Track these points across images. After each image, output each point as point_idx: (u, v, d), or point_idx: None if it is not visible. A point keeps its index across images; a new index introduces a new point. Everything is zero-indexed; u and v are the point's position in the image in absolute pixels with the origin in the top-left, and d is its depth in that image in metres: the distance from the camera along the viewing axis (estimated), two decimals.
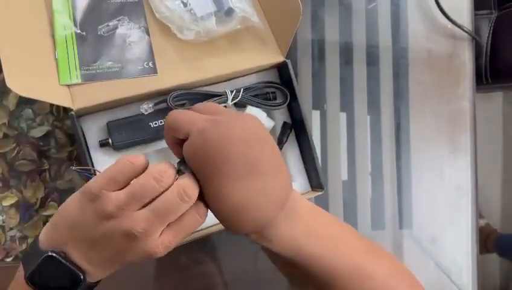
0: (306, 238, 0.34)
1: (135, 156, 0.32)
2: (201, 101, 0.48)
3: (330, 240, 0.35)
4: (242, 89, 0.50)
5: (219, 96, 0.49)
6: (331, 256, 0.35)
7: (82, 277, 0.32)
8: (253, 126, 0.33)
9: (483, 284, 0.66)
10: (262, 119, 0.51)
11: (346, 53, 0.63)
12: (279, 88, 0.53)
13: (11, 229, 0.50)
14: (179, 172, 0.33)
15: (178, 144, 0.34)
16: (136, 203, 0.31)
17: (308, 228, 0.35)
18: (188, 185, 0.31)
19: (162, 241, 0.32)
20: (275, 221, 0.33)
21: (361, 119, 0.63)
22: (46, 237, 0.33)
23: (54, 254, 0.32)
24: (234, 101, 0.49)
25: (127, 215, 0.31)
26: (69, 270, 0.32)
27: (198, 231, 0.49)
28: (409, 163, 0.64)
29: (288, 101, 0.52)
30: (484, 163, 0.69)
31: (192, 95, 0.49)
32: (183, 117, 0.33)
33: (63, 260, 0.32)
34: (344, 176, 0.61)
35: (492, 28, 0.83)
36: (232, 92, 0.49)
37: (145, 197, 0.31)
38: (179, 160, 0.34)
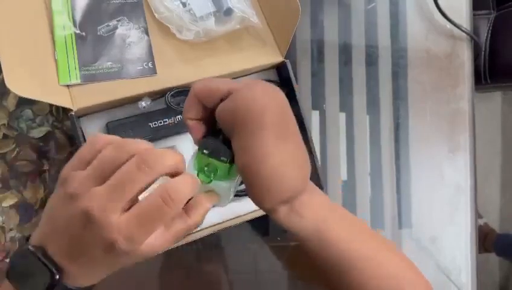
0: (332, 213, 0.35)
1: (96, 135, 0.30)
2: None
3: (353, 225, 0.36)
4: None
5: None
6: (353, 240, 0.35)
7: (57, 276, 0.29)
8: (283, 96, 0.33)
9: (482, 283, 0.66)
10: None
11: (346, 53, 0.63)
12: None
13: (10, 229, 0.50)
14: (203, 152, 0.33)
15: (199, 120, 0.34)
16: (95, 177, 0.28)
17: (333, 206, 0.35)
18: (148, 152, 0.28)
19: (118, 225, 0.27)
20: (304, 192, 0.33)
21: (361, 119, 0.63)
22: (34, 233, 0.31)
23: (30, 248, 0.29)
24: None
25: (85, 192, 0.28)
26: (43, 266, 0.29)
27: (200, 230, 0.49)
28: (408, 163, 0.64)
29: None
30: (483, 163, 0.69)
31: None
32: (218, 80, 0.32)
33: (39, 256, 0.29)
34: (343, 176, 0.61)
35: (491, 28, 0.83)
36: None
37: (104, 169, 0.28)
38: (200, 142, 0.33)
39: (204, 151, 0.33)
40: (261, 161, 0.30)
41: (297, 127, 0.33)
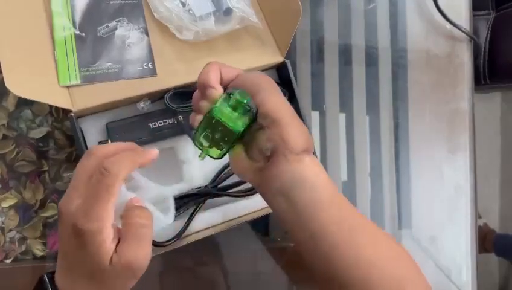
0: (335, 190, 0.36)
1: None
2: None
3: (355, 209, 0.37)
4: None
5: None
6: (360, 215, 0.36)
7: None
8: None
9: (481, 283, 0.66)
10: None
11: (345, 53, 0.63)
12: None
13: (10, 230, 0.49)
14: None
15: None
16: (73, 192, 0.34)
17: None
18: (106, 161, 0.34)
19: (76, 208, 0.32)
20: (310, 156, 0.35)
21: (361, 120, 0.63)
22: None
23: (45, 275, 0.35)
24: None
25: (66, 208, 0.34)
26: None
27: (200, 231, 0.49)
28: (408, 163, 0.64)
29: (286, 98, 0.52)
30: (482, 163, 0.69)
31: (190, 94, 0.49)
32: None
33: (45, 280, 0.34)
34: (343, 176, 0.61)
35: (490, 29, 0.83)
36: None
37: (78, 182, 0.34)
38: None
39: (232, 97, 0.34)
40: (289, 106, 0.35)
41: None
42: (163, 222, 0.38)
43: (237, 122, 0.34)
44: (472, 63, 0.67)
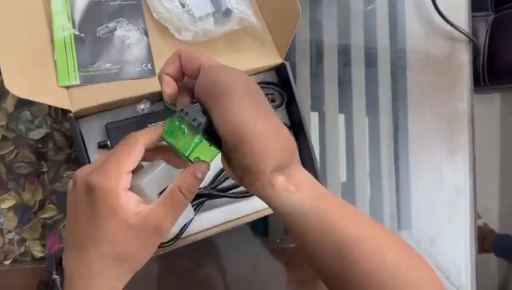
0: (326, 190, 0.33)
1: None
2: None
3: (348, 206, 0.33)
4: None
5: None
6: (352, 221, 0.32)
7: (56, 281, 0.32)
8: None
9: (481, 284, 0.66)
10: None
11: (345, 55, 0.63)
12: (276, 89, 0.53)
13: (9, 231, 0.49)
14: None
15: (174, 79, 0.36)
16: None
17: (324, 190, 0.33)
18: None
19: (91, 168, 0.32)
20: (297, 163, 0.32)
21: (360, 121, 0.63)
22: None
23: (52, 257, 0.33)
24: None
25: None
26: (50, 271, 0.33)
27: (199, 232, 0.49)
28: (407, 164, 0.64)
29: (285, 101, 0.52)
30: (482, 164, 0.69)
31: None
32: (194, 53, 0.35)
33: (51, 260, 0.33)
34: (343, 177, 0.61)
35: (489, 30, 0.83)
36: None
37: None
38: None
39: (181, 113, 0.33)
40: (253, 121, 0.30)
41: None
42: (190, 214, 0.39)
43: (185, 146, 0.32)
44: (471, 64, 0.68)
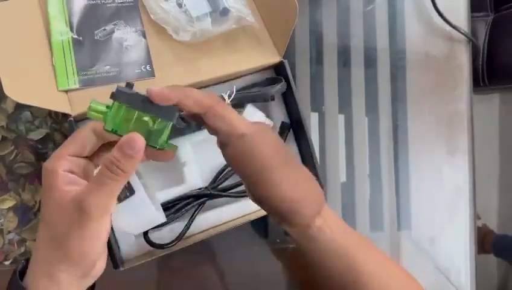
0: (346, 226, 0.38)
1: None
2: None
3: (362, 239, 0.39)
4: (235, 88, 0.50)
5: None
6: (364, 253, 0.38)
7: (17, 270, 0.33)
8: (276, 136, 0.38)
9: (481, 284, 0.66)
10: (260, 119, 0.51)
11: (344, 55, 0.63)
12: (276, 79, 0.52)
13: (9, 232, 0.49)
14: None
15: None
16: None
17: (345, 226, 0.38)
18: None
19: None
20: (326, 205, 0.37)
21: (360, 121, 0.63)
22: None
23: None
24: (231, 98, 0.50)
25: None
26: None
27: (199, 233, 0.49)
28: (407, 164, 0.64)
29: (286, 87, 0.52)
30: (481, 164, 0.69)
31: None
32: (224, 115, 0.34)
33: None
34: (343, 178, 0.61)
35: (488, 30, 0.84)
36: (229, 96, 0.50)
37: None
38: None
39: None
40: (293, 187, 0.35)
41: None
42: (153, 214, 0.37)
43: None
44: (471, 64, 0.68)
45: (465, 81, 0.67)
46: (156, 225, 0.40)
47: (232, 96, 0.50)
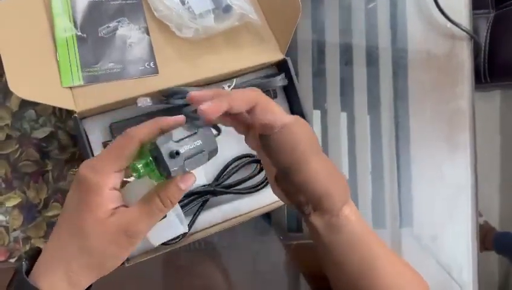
0: (364, 227, 0.40)
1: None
2: None
3: (376, 235, 0.41)
4: (235, 79, 0.50)
5: None
6: (378, 243, 0.40)
7: (23, 266, 0.33)
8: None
9: (482, 282, 0.66)
10: None
11: (346, 53, 0.63)
12: (276, 75, 0.53)
13: (14, 230, 0.50)
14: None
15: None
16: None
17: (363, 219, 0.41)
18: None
19: (84, 164, 0.33)
20: (349, 203, 0.39)
21: (362, 119, 0.63)
22: None
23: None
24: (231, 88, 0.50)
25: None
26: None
27: (202, 230, 0.49)
28: (408, 162, 0.64)
29: (286, 81, 0.52)
30: (482, 161, 0.69)
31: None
32: (272, 108, 0.36)
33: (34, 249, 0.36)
34: (345, 175, 0.62)
35: (490, 27, 0.84)
36: (228, 85, 0.50)
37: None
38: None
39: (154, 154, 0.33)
40: (328, 177, 0.37)
41: None
42: (179, 229, 0.39)
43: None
44: (472, 61, 0.68)
45: (467, 79, 0.67)
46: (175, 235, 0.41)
47: (232, 87, 0.50)
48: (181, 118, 0.34)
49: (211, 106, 0.33)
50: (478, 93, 0.70)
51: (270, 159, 0.37)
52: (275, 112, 0.36)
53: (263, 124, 0.36)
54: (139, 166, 0.32)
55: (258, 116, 0.36)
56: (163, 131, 0.34)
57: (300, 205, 0.38)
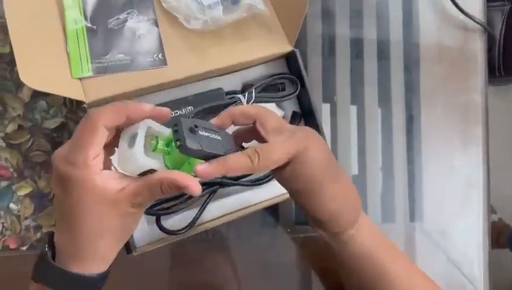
0: (378, 234, 0.42)
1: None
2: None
3: (391, 246, 0.43)
4: (254, 89, 0.50)
5: (235, 102, 0.49)
6: (392, 260, 0.42)
7: (47, 254, 0.33)
8: (325, 143, 0.40)
9: (496, 278, 0.65)
10: (271, 109, 0.51)
11: (357, 45, 0.62)
12: (288, 78, 0.52)
13: (26, 218, 0.51)
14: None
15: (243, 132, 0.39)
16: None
17: (376, 231, 0.43)
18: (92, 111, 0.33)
19: (58, 153, 0.33)
20: (362, 213, 0.41)
21: (372, 112, 0.62)
22: None
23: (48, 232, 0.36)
24: (250, 103, 0.50)
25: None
26: (43, 246, 0.34)
27: (208, 221, 0.50)
28: (420, 156, 0.64)
29: (298, 89, 0.52)
30: (497, 157, 0.68)
31: (213, 108, 0.49)
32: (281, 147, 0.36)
33: (45, 236, 0.36)
34: (354, 170, 0.61)
35: (505, 20, 0.82)
36: (244, 95, 0.50)
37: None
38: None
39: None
40: (341, 206, 0.39)
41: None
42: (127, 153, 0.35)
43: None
44: (485, 54, 0.66)
45: (480, 72, 0.66)
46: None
47: (253, 99, 0.50)
48: (165, 110, 0.34)
49: (208, 169, 0.33)
50: (492, 87, 0.69)
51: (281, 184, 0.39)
52: (279, 155, 0.35)
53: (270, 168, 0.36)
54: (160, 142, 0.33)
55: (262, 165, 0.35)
56: (131, 121, 0.33)
57: (307, 217, 0.40)
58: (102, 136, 0.32)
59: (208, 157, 0.33)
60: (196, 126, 0.32)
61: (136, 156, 0.33)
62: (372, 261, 0.41)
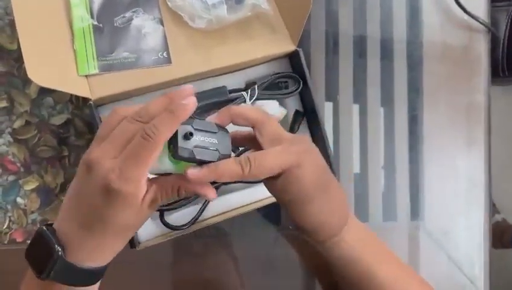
0: (367, 238, 0.42)
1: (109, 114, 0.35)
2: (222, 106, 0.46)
3: (382, 251, 0.43)
4: (257, 87, 0.50)
5: (238, 98, 0.50)
6: (381, 263, 0.41)
7: (59, 251, 0.32)
8: (320, 155, 0.39)
9: (499, 279, 0.65)
10: (274, 108, 0.52)
11: (360, 44, 0.62)
12: (291, 76, 0.53)
13: (32, 212, 0.52)
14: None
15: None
16: (111, 149, 0.32)
17: (367, 231, 0.42)
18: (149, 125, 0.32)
19: (111, 166, 0.31)
20: (351, 217, 0.41)
21: (375, 111, 0.63)
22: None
23: (42, 227, 0.34)
24: (252, 100, 0.50)
25: (100, 162, 0.32)
26: (48, 243, 0.33)
27: (211, 217, 0.50)
28: (422, 155, 0.64)
29: (300, 87, 0.52)
30: (500, 158, 0.68)
31: (216, 105, 0.49)
32: (273, 156, 0.35)
33: (46, 232, 0.34)
34: (356, 168, 0.61)
35: (510, 21, 0.82)
36: (247, 92, 0.50)
37: (117, 143, 0.32)
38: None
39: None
40: (328, 215, 0.38)
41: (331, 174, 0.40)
42: None
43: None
44: (489, 54, 0.66)
45: (483, 72, 0.66)
46: None
47: (255, 96, 0.50)
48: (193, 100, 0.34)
49: (198, 175, 0.34)
50: (498, 88, 0.69)
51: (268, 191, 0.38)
52: (272, 164, 0.35)
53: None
54: None
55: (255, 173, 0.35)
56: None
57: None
58: (159, 152, 0.32)
59: (201, 162, 0.34)
60: (191, 133, 0.33)
61: (161, 160, 0.34)
62: (359, 265, 0.40)
